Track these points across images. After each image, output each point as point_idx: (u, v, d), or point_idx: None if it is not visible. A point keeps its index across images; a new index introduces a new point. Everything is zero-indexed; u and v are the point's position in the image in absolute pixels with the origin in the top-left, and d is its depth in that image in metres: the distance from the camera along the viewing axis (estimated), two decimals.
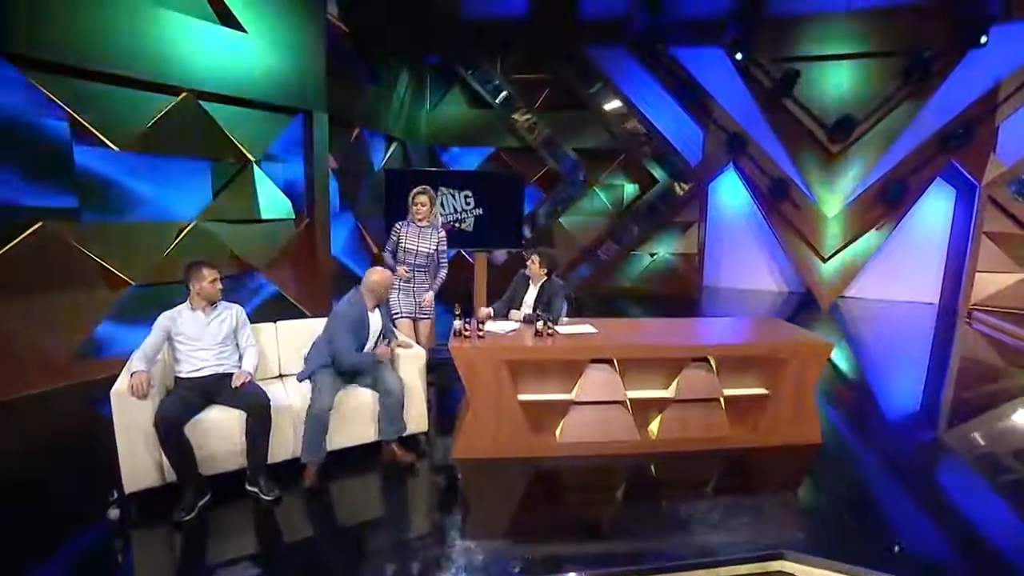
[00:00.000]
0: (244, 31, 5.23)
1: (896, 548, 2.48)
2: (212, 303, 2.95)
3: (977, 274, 7.69)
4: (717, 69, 8.41)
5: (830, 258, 8.31)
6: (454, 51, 8.69)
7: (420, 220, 3.88)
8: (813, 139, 8.18)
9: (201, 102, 4.96)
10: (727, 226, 9.56)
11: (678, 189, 9.01)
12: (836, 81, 7.96)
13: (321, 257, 6.39)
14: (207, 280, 2.87)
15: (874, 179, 7.96)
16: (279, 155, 5.98)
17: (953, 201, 8.27)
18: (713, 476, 3.24)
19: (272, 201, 5.86)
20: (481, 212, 4.99)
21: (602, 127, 9.02)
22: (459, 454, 3.25)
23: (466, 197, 4.91)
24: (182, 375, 2.86)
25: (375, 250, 7.78)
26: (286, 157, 6.07)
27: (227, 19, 5.10)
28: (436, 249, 3.93)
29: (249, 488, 2.79)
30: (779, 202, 8.39)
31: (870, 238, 8.18)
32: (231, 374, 2.91)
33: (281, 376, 3.41)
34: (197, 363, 2.86)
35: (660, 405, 3.46)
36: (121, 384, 2.58)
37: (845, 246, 8.23)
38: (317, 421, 2.90)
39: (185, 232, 5.01)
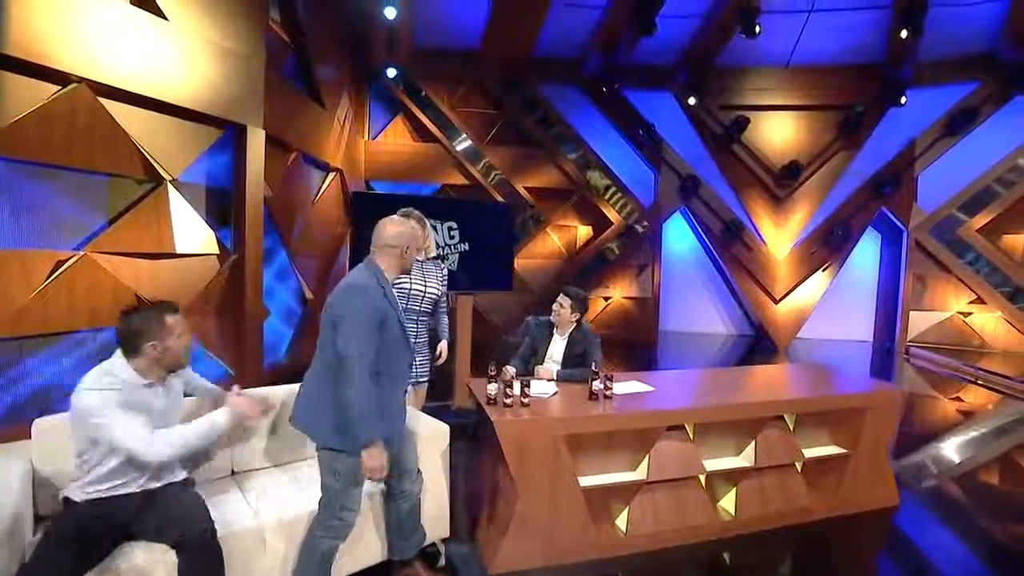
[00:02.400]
0: (164, 18, 4.16)
1: None
2: (173, 370, 1.91)
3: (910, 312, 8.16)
4: (667, 113, 8.49)
5: (782, 299, 8.43)
6: (403, 78, 7.99)
7: (418, 254, 3.00)
8: (761, 184, 8.42)
9: (101, 99, 3.78)
10: (675, 269, 9.51)
11: (639, 228, 8.82)
12: (781, 129, 8.33)
13: (251, 302, 5.15)
14: (174, 334, 1.87)
15: (817, 223, 8.30)
16: (201, 175, 4.81)
17: (879, 245, 8.85)
18: (805, 559, 2.61)
19: (191, 231, 4.63)
20: (467, 248, 4.20)
21: (554, 166, 8.69)
22: (502, 567, 2.33)
23: (450, 229, 4.13)
24: (88, 496, 1.75)
25: (309, 295, 6.61)
26: (211, 179, 4.90)
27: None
28: (443, 290, 3.08)
29: None
30: (731, 244, 8.45)
31: (816, 279, 8.44)
32: (170, 484, 1.85)
33: (234, 474, 2.31)
34: (130, 473, 1.79)
35: (735, 476, 2.81)
36: None
37: (795, 287, 8.41)
38: (329, 551, 1.90)
39: (66, 266, 3.67)
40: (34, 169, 3.50)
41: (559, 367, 3.06)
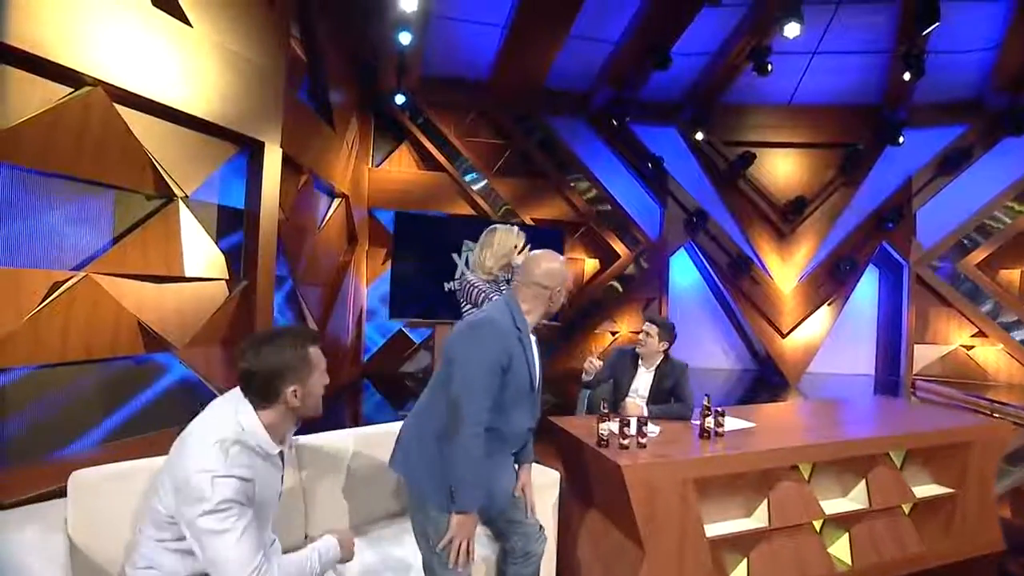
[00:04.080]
0: (188, 24, 3.87)
1: None
2: (314, 418, 1.50)
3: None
4: (673, 148, 8.56)
5: (789, 333, 8.39)
6: (410, 105, 7.83)
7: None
8: (766, 219, 8.49)
9: (117, 105, 3.42)
10: (679, 304, 9.42)
11: (642, 263, 8.73)
12: (784, 166, 8.48)
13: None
14: (317, 372, 1.44)
15: (821, 257, 8.38)
16: (213, 194, 4.44)
17: (877, 280, 8.99)
18: None
19: (201, 254, 4.22)
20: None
21: (561, 197, 8.59)
22: None
23: None
24: None
25: (313, 327, 6.16)
26: (223, 198, 4.53)
27: (165, 2, 3.73)
28: None
29: None
30: (739, 278, 8.43)
31: (822, 313, 8.45)
32: None
33: (307, 537, 1.90)
34: None
35: (847, 521, 2.54)
36: None
37: (802, 321, 8.39)
38: None
39: (64, 288, 3.21)
40: (36, 178, 3.11)
41: (644, 402, 2.77)
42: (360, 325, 7.94)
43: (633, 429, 2.11)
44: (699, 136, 8.18)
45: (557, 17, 6.89)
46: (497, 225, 2.72)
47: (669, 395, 2.77)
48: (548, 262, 1.79)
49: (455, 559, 1.57)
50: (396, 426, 1.88)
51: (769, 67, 6.77)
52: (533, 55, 7.51)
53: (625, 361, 2.91)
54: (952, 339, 8.22)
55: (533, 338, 1.80)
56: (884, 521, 2.61)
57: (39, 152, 3.02)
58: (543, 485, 2.01)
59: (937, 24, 6.08)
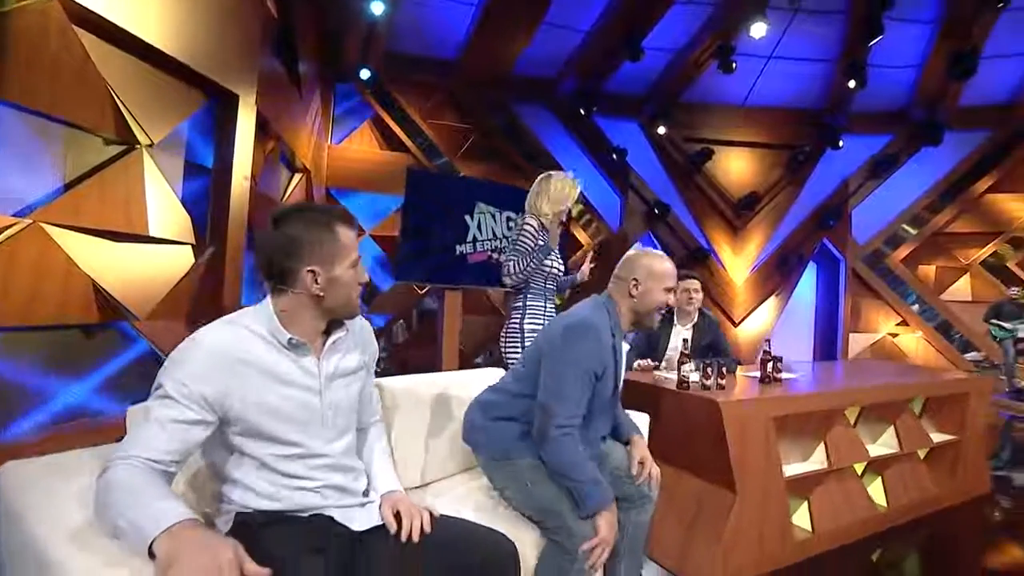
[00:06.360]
0: None
1: None
2: (341, 322, 1.28)
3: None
4: (634, 142, 8.77)
5: (740, 322, 8.83)
6: (374, 82, 7.46)
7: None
8: (720, 214, 8.90)
9: (77, 28, 2.94)
10: None
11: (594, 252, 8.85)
12: (738, 163, 8.95)
13: (229, 306, 4.23)
14: (347, 261, 1.23)
15: (770, 251, 8.91)
16: (179, 147, 3.94)
17: (816, 274, 9.69)
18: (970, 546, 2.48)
19: (166, 214, 3.72)
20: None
21: (526, 184, 8.50)
22: None
23: (508, 219, 3.69)
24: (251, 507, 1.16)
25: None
26: (191, 154, 4.04)
27: None
28: None
29: None
30: (696, 270, 8.73)
31: (769, 304, 8.98)
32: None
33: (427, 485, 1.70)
34: (296, 483, 1.20)
35: (881, 465, 2.64)
36: None
37: (752, 311, 8.86)
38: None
39: (4, 235, 2.69)
40: None
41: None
42: None
43: (716, 371, 2.05)
44: (661, 130, 8.44)
45: (533, 1, 6.84)
46: (552, 172, 2.65)
47: (708, 350, 2.76)
48: (650, 261, 1.74)
49: (596, 561, 1.48)
50: None
51: (734, 65, 7.11)
52: (505, 39, 7.41)
53: (660, 323, 2.88)
54: (880, 328, 9.02)
55: (625, 345, 1.80)
56: (909, 466, 2.75)
57: None
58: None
59: (881, 37, 6.66)
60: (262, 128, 4.89)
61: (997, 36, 7.19)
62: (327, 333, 1.25)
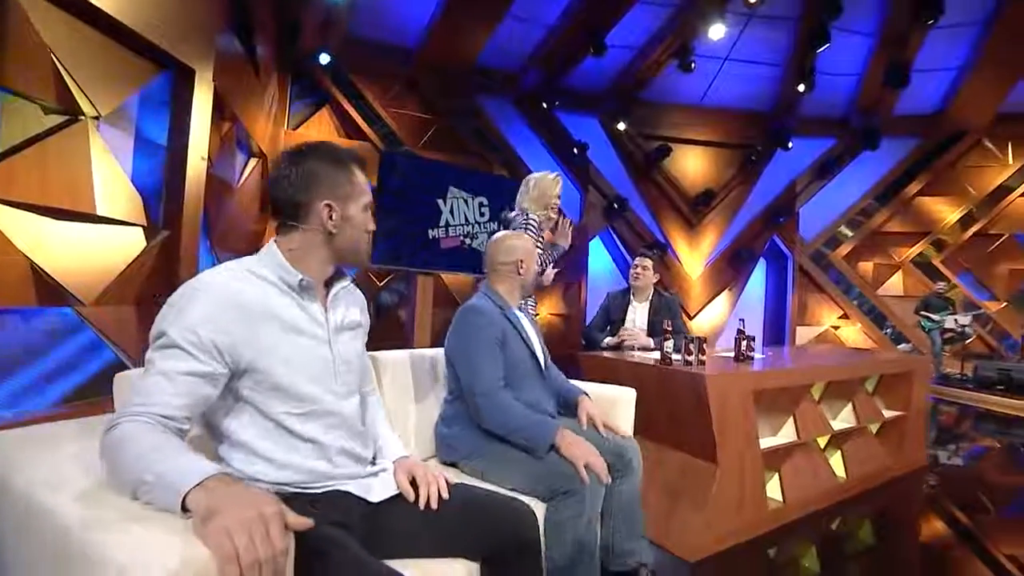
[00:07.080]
0: None
1: None
2: (343, 273, 1.27)
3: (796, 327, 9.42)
4: (594, 137, 8.90)
5: (695, 315, 9.13)
6: (333, 67, 7.23)
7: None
8: (677, 209, 9.17)
9: None
10: (595, 289, 9.80)
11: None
12: (694, 161, 9.23)
13: None
14: (361, 201, 1.22)
15: (723, 247, 9.26)
16: (128, 122, 3.69)
17: (764, 269, 10.15)
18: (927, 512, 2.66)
19: (114, 191, 3.48)
20: (497, 227, 3.79)
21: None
22: (696, 552, 1.94)
23: (481, 205, 3.67)
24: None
25: None
26: (142, 129, 3.79)
27: None
28: None
29: None
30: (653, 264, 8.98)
31: (722, 299, 9.33)
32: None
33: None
34: (310, 447, 1.15)
35: (840, 439, 2.79)
36: None
37: (706, 305, 9.19)
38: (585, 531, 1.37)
39: None
40: None
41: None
42: None
43: (697, 347, 2.11)
44: (621, 127, 8.60)
45: None
46: (534, 174, 2.75)
47: (662, 326, 2.85)
48: (500, 241, 1.90)
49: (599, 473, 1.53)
50: None
51: (692, 65, 7.33)
52: (468, 29, 7.36)
53: (617, 299, 2.97)
54: (824, 320, 9.56)
55: (524, 318, 1.88)
56: (863, 440, 2.92)
57: None
58: (624, 401, 1.91)
59: (828, 45, 7.04)
60: (219, 108, 4.64)
61: (928, 51, 7.76)
62: (328, 286, 1.21)
